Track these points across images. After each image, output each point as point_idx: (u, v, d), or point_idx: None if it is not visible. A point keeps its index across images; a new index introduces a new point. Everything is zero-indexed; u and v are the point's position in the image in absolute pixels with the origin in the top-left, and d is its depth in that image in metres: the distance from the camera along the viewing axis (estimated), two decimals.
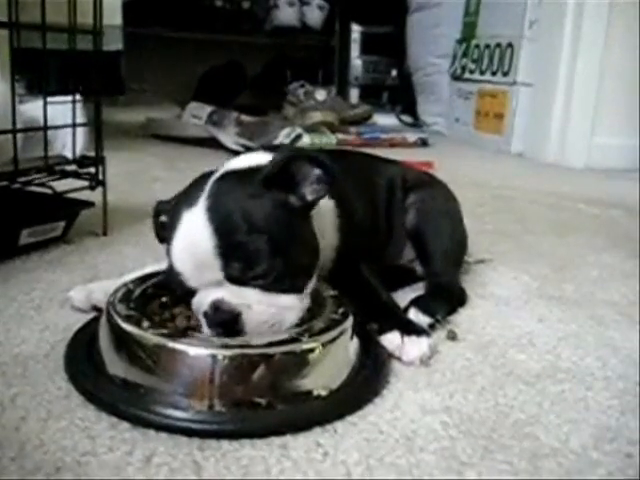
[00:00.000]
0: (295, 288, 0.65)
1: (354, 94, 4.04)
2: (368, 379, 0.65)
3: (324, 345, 0.61)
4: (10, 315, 0.78)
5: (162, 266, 0.69)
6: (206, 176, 0.68)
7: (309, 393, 0.59)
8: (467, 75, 2.91)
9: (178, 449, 0.53)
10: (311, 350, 0.60)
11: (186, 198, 0.66)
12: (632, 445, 0.58)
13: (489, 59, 2.73)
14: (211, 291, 0.63)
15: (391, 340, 0.71)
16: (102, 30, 1.07)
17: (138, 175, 1.70)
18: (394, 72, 3.89)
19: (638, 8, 2.25)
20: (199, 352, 0.57)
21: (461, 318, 0.85)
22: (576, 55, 2.30)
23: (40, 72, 1.02)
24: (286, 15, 3.90)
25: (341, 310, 0.67)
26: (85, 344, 0.67)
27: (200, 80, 3.60)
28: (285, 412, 0.57)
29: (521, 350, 0.77)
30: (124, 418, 0.56)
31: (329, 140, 2.37)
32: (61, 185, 1.09)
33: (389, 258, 0.95)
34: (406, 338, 0.71)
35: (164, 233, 0.68)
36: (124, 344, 0.61)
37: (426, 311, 0.80)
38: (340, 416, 0.59)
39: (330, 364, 0.62)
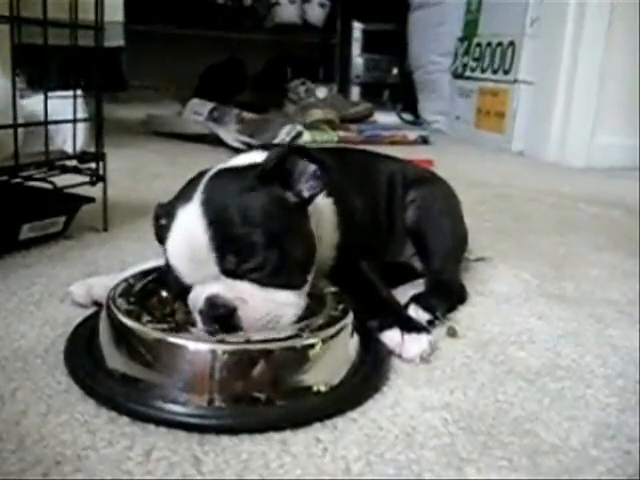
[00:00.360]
0: (292, 284, 0.65)
1: (355, 92, 4.05)
2: (368, 375, 0.65)
3: (324, 341, 0.61)
4: (10, 310, 0.78)
5: (162, 262, 0.69)
6: (202, 174, 0.68)
7: (309, 389, 0.59)
8: (468, 73, 2.91)
9: (178, 444, 0.53)
10: (311, 346, 0.60)
11: (182, 195, 0.66)
12: (631, 442, 0.58)
13: (490, 57, 2.73)
14: (207, 287, 0.62)
15: (391, 337, 0.71)
16: (103, 26, 1.07)
17: (139, 171, 1.70)
18: (395, 70, 3.89)
19: (639, 8, 2.24)
20: (199, 347, 0.57)
21: (461, 315, 0.85)
22: (577, 54, 2.30)
23: (41, 67, 1.02)
24: (287, 12, 3.90)
25: (341, 307, 0.67)
26: (85, 339, 0.67)
27: (201, 77, 3.60)
28: (285, 407, 0.57)
29: (521, 347, 0.77)
30: (124, 412, 0.56)
31: (330, 138, 2.37)
32: (61, 180, 1.09)
33: (389, 255, 0.95)
34: (406, 335, 0.70)
35: (163, 234, 0.68)
36: (124, 339, 0.61)
37: (426, 308, 0.80)
38: (340, 412, 0.59)
39: (330, 360, 0.62)
